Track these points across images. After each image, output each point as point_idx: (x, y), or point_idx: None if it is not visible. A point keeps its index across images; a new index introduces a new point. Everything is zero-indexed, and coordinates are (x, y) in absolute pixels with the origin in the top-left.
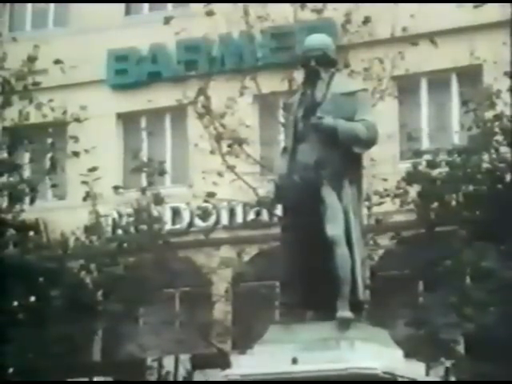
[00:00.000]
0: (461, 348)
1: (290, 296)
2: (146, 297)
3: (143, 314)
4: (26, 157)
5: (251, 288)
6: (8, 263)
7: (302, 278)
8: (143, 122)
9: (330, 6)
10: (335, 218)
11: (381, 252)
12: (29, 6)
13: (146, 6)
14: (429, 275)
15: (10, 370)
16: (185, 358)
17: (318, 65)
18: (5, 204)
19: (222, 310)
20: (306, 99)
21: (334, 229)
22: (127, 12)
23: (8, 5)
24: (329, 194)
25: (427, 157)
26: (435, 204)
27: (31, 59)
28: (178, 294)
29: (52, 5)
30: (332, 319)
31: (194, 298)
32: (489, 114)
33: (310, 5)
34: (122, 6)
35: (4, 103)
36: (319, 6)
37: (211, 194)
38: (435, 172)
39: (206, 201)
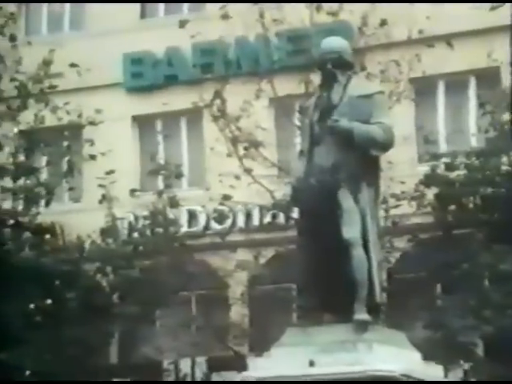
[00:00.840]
0: (479, 350)
1: (307, 299)
2: (163, 299)
3: (160, 317)
4: (43, 160)
5: (268, 291)
6: (24, 266)
7: (319, 280)
8: (159, 125)
9: (346, 8)
10: (352, 220)
11: (398, 254)
12: (44, 9)
13: (161, 9)
14: (446, 278)
15: (27, 372)
16: (201, 361)
17: (335, 67)
18: (21, 207)
19: (238, 313)
20: (323, 102)
21: (350, 231)
22: (142, 15)
23: (24, 9)
24: (345, 197)
25: (445, 159)
26: (453, 206)
27: (47, 63)
28: (195, 296)
29: (67, 8)
30: (349, 322)
31: (210, 301)
32: (506, 116)
33: (325, 7)
34: (138, 9)
35: (20, 107)
36: (335, 8)
37: (227, 197)
38: (453, 174)
39: (222, 203)
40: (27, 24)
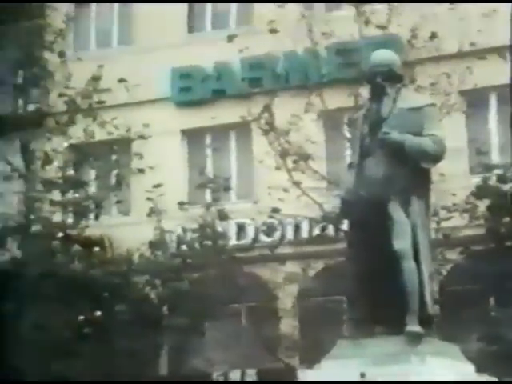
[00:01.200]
0: None
1: (358, 310)
2: (212, 312)
3: (209, 329)
4: (91, 173)
5: (318, 303)
6: (73, 278)
7: (370, 292)
8: (208, 139)
9: (395, 21)
10: (402, 232)
11: (450, 267)
12: (93, 25)
13: (208, 23)
14: (500, 290)
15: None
16: (251, 373)
17: (384, 80)
18: (70, 220)
19: (288, 325)
20: (372, 114)
21: (401, 243)
22: (190, 30)
23: (73, 24)
24: (396, 209)
25: (497, 171)
26: (506, 218)
27: (95, 78)
28: (244, 308)
29: (116, 24)
30: (401, 334)
31: (260, 313)
32: None
33: (374, 21)
34: (185, 23)
35: (69, 121)
36: (384, 22)
37: (276, 210)
38: (506, 186)
39: (271, 216)
40: (76, 40)
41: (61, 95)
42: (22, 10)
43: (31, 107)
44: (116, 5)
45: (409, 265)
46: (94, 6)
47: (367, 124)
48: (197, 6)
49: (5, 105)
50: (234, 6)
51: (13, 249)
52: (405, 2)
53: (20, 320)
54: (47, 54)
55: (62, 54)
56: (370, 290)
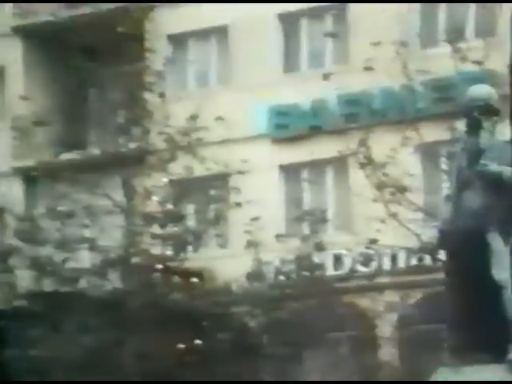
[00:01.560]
0: None
1: (458, 338)
2: (311, 340)
3: (308, 358)
4: (190, 207)
5: (417, 331)
6: (174, 308)
7: (469, 320)
8: (304, 173)
9: (492, 57)
10: (502, 262)
11: None
12: (191, 65)
13: (304, 63)
14: None
15: None
16: None
17: (481, 114)
18: (170, 252)
19: (388, 353)
20: (470, 147)
21: (501, 273)
22: (286, 69)
23: (171, 66)
24: (495, 240)
25: None
26: None
27: (194, 117)
28: (344, 337)
29: (213, 63)
30: (502, 362)
31: (359, 342)
32: None
33: (470, 56)
34: (281, 63)
35: (169, 158)
36: (480, 57)
37: (374, 241)
38: None
39: (368, 247)
40: (175, 80)
41: (160, 133)
42: (123, 53)
43: (132, 145)
44: (214, 45)
45: (509, 294)
46: (191, 47)
47: (465, 157)
48: (292, 45)
49: (107, 143)
50: (329, 46)
51: (114, 280)
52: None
53: (122, 348)
54: (147, 95)
55: (161, 95)
56: (470, 318)
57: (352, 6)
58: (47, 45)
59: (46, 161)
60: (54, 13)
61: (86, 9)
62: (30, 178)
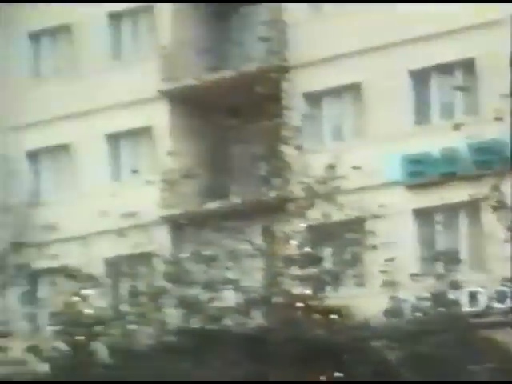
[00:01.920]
0: None
1: None
2: (450, 373)
3: None
4: (327, 250)
5: None
6: (315, 343)
7: None
8: (437, 217)
9: None
10: None
11: None
12: (327, 120)
13: (435, 115)
14: None
15: None
16: None
17: None
18: (309, 292)
19: None
20: None
21: None
22: (417, 121)
23: (308, 121)
24: None
25: None
26: None
27: (331, 166)
28: (482, 370)
29: (347, 118)
30: None
31: (497, 373)
32: None
33: None
34: (412, 116)
35: (308, 206)
36: None
37: (508, 279)
38: None
39: (503, 285)
40: (311, 134)
41: (299, 183)
42: (262, 111)
43: (272, 194)
44: (348, 101)
45: None
46: (326, 104)
47: None
48: (423, 98)
49: (249, 193)
50: (458, 98)
51: (257, 318)
52: None
53: (266, 381)
54: (285, 148)
55: (298, 147)
56: None
57: (478, 60)
58: (192, 106)
59: (192, 210)
60: (197, 77)
61: (226, 72)
62: (177, 225)
